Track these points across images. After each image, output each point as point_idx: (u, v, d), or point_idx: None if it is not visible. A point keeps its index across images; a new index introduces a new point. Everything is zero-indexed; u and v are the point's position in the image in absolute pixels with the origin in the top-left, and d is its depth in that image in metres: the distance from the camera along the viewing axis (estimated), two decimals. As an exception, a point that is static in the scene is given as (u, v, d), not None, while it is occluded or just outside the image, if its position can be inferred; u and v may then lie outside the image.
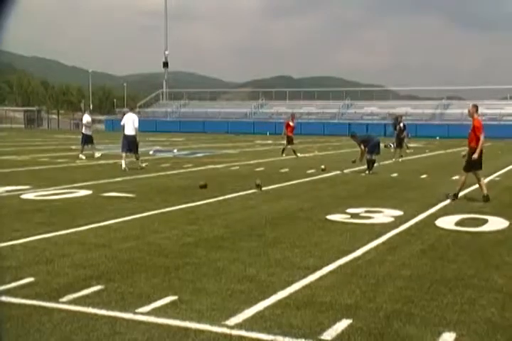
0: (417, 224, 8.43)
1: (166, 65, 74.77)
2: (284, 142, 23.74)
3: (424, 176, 15.48)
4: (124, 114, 17.42)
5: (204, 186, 12.10)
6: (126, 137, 16.73)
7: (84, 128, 21.35)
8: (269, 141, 38.91)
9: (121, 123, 16.81)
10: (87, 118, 21.35)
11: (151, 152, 24.47)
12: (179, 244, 6.82)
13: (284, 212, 9.27)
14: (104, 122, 71.25)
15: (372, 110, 59.66)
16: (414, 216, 9.01)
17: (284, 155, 22.95)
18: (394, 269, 5.80)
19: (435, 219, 8.73)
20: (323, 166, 16.71)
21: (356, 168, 17.02)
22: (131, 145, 16.70)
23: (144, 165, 16.97)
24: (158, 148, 28.26)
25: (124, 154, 16.56)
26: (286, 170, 16.87)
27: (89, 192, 11.47)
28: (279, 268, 5.76)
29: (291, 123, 23.60)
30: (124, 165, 16.15)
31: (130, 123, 16.58)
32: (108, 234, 7.32)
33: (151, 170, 16.44)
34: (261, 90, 76.96)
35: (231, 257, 6.20)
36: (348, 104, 64.03)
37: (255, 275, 5.49)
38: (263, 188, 12.08)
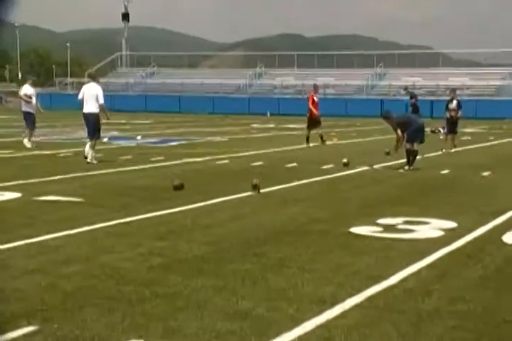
0: (476, 240, 8.45)
1: (125, 17, 74.69)
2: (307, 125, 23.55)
3: (486, 173, 15.53)
4: (86, 85, 17.69)
5: (179, 187, 12.12)
6: (86, 116, 17.04)
7: (24, 104, 21.67)
8: (271, 125, 38.96)
9: (79, 97, 17.12)
10: (28, 89, 21.57)
11: (105, 139, 24.44)
12: (145, 268, 6.83)
13: (290, 224, 9.29)
14: (38, 97, 71.11)
15: (414, 81, 59.71)
16: (473, 229, 9.04)
17: (310, 144, 22.92)
18: (444, 303, 5.82)
19: (502, 234, 8.74)
20: (345, 160, 16.75)
21: (391, 162, 17.06)
22: (90, 127, 16.96)
23: (95, 161, 16.86)
24: (115, 133, 28.23)
25: (90, 141, 16.96)
26: (294, 164, 16.91)
27: (16, 195, 11.46)
28: (283, 301, 5.78)
29: (315, 98, 23.62)
30: (90, 157, 16.64)
31: (91, 97, 16.86)
32: (44, 255, 7.31)
33: (106, 164, 16.45)
34: (259, 53, 77.09)
35: (217, 285, 6.22)
36: (380, 74, 64.13)
37: (250, 311, 5.50)
38: (262, 190, 12.10)
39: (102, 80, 70.56)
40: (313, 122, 23.39)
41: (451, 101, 22.42)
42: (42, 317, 5.28)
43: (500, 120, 47.10)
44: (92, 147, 16.92)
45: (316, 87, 24.96)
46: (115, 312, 5.42)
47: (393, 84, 60.52)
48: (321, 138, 23.53)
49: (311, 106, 23.64)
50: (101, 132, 17.39)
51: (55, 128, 31.87)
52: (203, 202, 10.94)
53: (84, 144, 17.41)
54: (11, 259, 7.10)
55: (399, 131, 16.07)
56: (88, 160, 16.74)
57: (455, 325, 5.25)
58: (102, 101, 16.83)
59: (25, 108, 21.59)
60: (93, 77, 18.09)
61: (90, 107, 16.91)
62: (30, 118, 21.43)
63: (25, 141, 21.32)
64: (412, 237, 8.52)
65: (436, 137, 23.89)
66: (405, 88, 23.87)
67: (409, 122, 16.19)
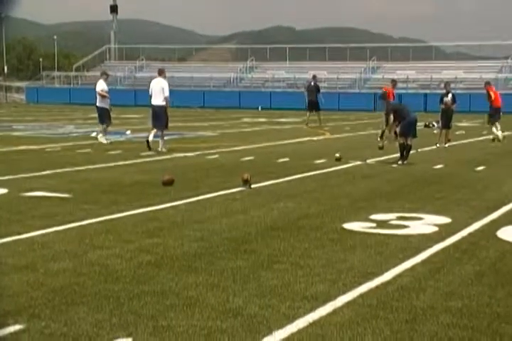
0: (470, 235, 8.46)
1: (114, 9, 74.48)
2: (383, 120, 23.25)
3: (480, 168, 15.57)
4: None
5: (169, 182, 12.10)
6: (154, 108, 18.91)
7: (99, 99, 21.82)
8: (262, 119, 38.94)
9: (149, 92, 19.04)
10: (104, 85, 21.82)
11: (93, 134, 24.41)
12: (134, 265, 6.81)
13: (282, 220, 9.29)
14: (24, 91, 70.87)
15: (408, 75, 59.78)
16: (467, 224, 9.06)
17: (385, 141, 22.28)
18: (438, 300, 5.83)
19: (497, 230, 8.77)
20: (337, 154, 16.76)
21: (384, 157, 17.08)
22: (159, 118, 18.75)
23: (164, 149, 18.43)
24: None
25: (154, 130, 18.73)
26: (286, 159, 16.92)
27: (3, 190, 11.44)
28: (275, 298, 5.77)
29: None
30: (150, 142, 18.33)
31: (158, 91, 18.73)
32: (31, 251, 7.29)
33: (95, 159, 16.43)
34: (250, 46, 76.92)
35: (208, 282, 6.21)
36: (373, 67, 64.15)
37: (242, 308, 5.50)
38: (253, 186, 12.10)
39: (88, 74, 70.62)
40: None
41: (446, 94, 22.43)
42: (29, 315, 5.27)
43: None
44: (162, 137, 18.67)
45: (394, 82, 24.49)
46: (103, 310, 5.41)
47: (387, 77, 60.28)
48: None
49: (384, 103, 23.09)
50: (169, 122, 19.15)
51: (43, 123, 31.76)
52: (193, 197, 10.93)
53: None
54: (-2, 256, 7.08)
55: (391, 116, 16.12)
56: (159, 149, 18.36)
57: (450, 322, 5.26)
58: (167, 94, 18.65)
59: (100, 103, 21.75)
60: (160, 73, 19.57)
61: (158, 100, 18.74)
62: (105, 114, 21.63)
63: (100, 136, 21.50)
64: (406, 233, 8.53)
65: (429, 131, 23.92)
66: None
67: (404, 112, 16.19)
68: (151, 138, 18.54)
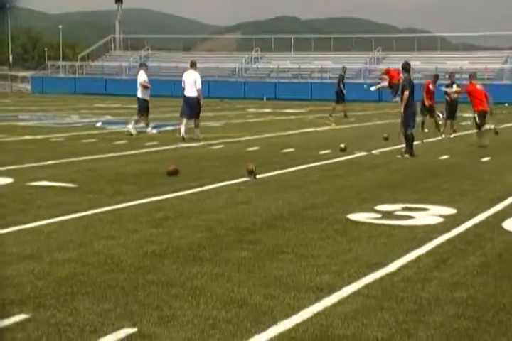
0: (476, 226, 8.46)
1: (119, -1, 74.26)
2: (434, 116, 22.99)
3: (486, 159, 15.54)
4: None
5: (174, 172, 12.10)
6: (186, 99, 19.39)
7: (140, 91, 21.77)
8: (267, 109, 38.88)
9: (183, 84, 19.64)
10: (145, 76, 21.86)
11: (98, 124, 24.44)
12: (139, 255, 6.82)
13: (287, 210, 9.28)
14: (29, 80, 70.84)
15: (413, 65, 59.54)
16: (473, 215, 9.05)
17: (443, 134, 21.77)
18: (443, 291, 5.82)
19: (502, 221, 8.76)
20: (342, 145, 16.74)
21: (389, 148, 17.05)
22: (192, 109, 19.14)
23: (201, 136, 19.10)
24: (108, 118, 28.18)
25: (184, 120, 19.03)
26: (291, 150, 16.90)
27: (9, 180, 11.44)
28: (280, 289, 5.77)
29: (431, 87, 23.14)
30: (182, 133, 18.78)
31: (191, 82, 19.35)
32: (37, 241, 7.30)
33: (100, 149, 16.43)
34: (255, 37, 76.82)
35: (212, 272, 6.21)
36: (378, 57, 63.99)
37: (247, 299, 5.50)
38: (258, 176, 12.09)
39: (94, 64, 70.40)
40: (428, 110, 22.83)
41: (450, 85, 22.33)
42: (34, 304, 5.28)
43: (500, 104, 46.97)
44: (196, 125, 19.26)
45: (436, 77, 24.43)
46: (108, 300, 5.41)
47: (391, 68, 60.18)
48: (437, 125, 22.96)
49: (424, 97, 23.01)
50: (200, 113, 19.69)
51: (48, 113, 31.76)
52: (198, 187, 10.93)
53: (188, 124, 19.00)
54: (4, 246, 7.08)
55: (406, 92, 15.82)
56: (181, 135, 18.80)
57: (455, 313, 5.25)
58: (199, 86, 19.31)
59: (142, 95, 21.77)
60: (192, 65, 20.26)
61: (190, 91, 19.29)
62: (144, 105, 21.63)
63: (149, 129, 21.53)
64: (411, 224, 8.52)
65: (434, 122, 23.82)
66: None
67: (413, 90, 15.94)
68: (182, 129, 18.86)
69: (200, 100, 19.28)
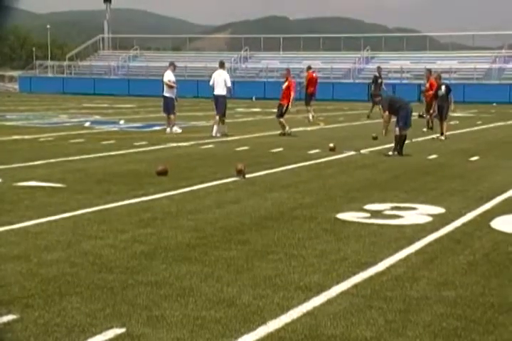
0: (464, 225, 8.49)
1: (107, -2, 74.10)
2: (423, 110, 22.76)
3: (474, 158, 15.58)
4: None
5: (163, 172, 12.09)
6: (216, 97, 20.73)
7: (166, 89, 21.97)
8: (256, 109, 38.92)
9: (210, 83, 21.00)
10: (171, 76, 22.02)
11: (86, 123, 24.36)
12: (128, 255, 6.81)
13: (276, 210, 9.29)
14: (17, 80, 70.57)
15: (402, 65, 59.72)
16: (461, 214, 9.07)
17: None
18: (432, 290, 5.84)
19: (490, 220, 8.79)
20: (331, 144, 16.75)
21: (378, 147, 17.07)
22: (220, 106, 20.54)
23: (219, 134, 20.07)
24: (97, 118, 28.11)
25: (217, 118, 20.40)
26: (280, 149, 16.90)
27: (-2, 180, 11.41)
28: (269, 288, 5.78)
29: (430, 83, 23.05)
30: (215, 131, 20.07)
31: (220, 82, 20.62)
32: (25, 241, 7.29)
33: (88, 149, 16.39)
34: (243, 36, 76.72)
35: (201, 273, 6.21)
36: (367, 57, 64.08)
37: (236, 298, 5.51)
38: (247, 176, 12.09)
39: (82, 63, 70.24)
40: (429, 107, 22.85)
41: (439, 88, 21.87)
42: (22, 305, 5.27)
43: (488, 104, 47.18)
44: (222, 122, 20.51)
45: (439, 76, 24.30)
46: (97, 300, 5.41)
47: (381, 67, 60.22)
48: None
49: (423, 96, 23.07)
50: (226, 111, 21.03)
51: (36, 112, 31.66)
52: (187, 187, 10.92)
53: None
54: (-9, 246, 7.06)
55: (386, 112, 16.01)
56: (212, 134, 20.01)
57: (443, 312, 5.27)
58: (229, 84, 20.77)
59: (167, 93, 21.97)
60: (221, 65, 21.31)
61: (219, 90, 20.61)
62: (171, 104, 21.80)
63: (175, 128, 21.61)
64: (400, 223, 8.54)
65: (424, 122, 23.88)
66: (376, 76, 24.54)
67: (400, 105, 16.00)
68: (215, 128, 20.15)
69: (226, 98, 20.59)
